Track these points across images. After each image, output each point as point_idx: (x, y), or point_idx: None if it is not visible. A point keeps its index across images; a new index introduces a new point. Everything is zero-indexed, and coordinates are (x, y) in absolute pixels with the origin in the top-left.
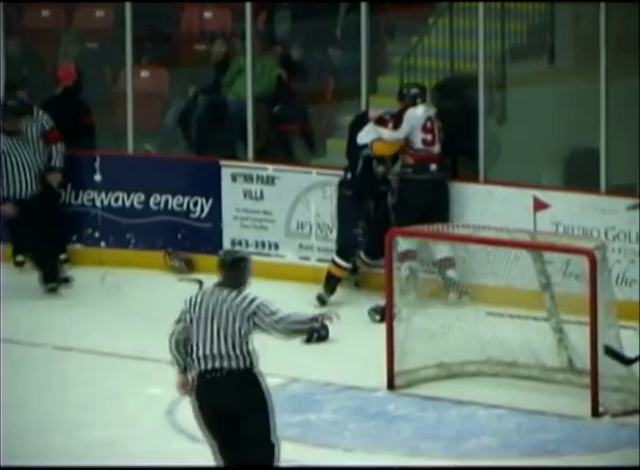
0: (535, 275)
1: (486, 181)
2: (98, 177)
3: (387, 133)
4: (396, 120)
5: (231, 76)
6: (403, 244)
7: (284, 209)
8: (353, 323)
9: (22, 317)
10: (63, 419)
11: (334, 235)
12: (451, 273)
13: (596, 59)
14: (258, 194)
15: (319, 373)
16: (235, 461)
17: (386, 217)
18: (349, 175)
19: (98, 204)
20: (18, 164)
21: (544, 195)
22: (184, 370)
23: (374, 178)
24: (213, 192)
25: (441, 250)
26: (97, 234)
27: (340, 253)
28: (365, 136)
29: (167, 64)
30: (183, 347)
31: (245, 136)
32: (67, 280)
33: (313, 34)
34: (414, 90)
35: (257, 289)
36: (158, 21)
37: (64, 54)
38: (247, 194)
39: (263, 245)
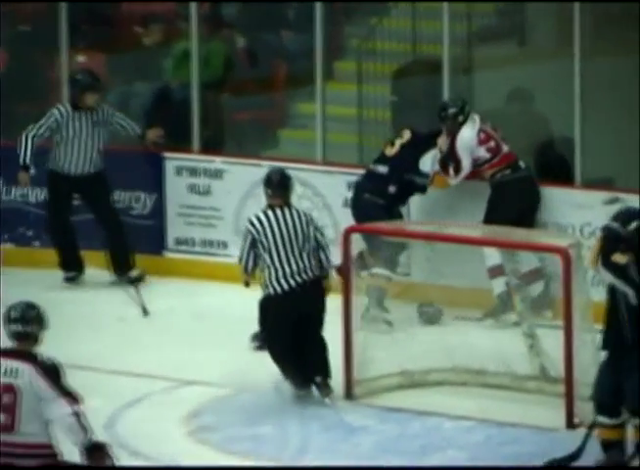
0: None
1: None
2: (31, 171)
3: (453, 180)
4: (456, 164)
5: (175, 61)
6: (490, 259)
7: (233, 205)
8: None
9: None
10: None
11: None
12: (538, 288)
13: (570, 41)
14: (205, 189)
15: (270, 382)
16: (299, 359)
17: None
18: (392, 189)
19: (31, 200)
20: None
21: None
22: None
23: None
24: (156, 187)
25: (528, 261)
26: (30, 233)
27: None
28: (430, 164)
29: (106, 48)
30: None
31: (190, 126)
32: (138, 279)
33: (264, 16)
34: (451, 110)
35: (203, 291)
36: (95, 2)
37: None
38: (192, 188)
39: (210, 244)
